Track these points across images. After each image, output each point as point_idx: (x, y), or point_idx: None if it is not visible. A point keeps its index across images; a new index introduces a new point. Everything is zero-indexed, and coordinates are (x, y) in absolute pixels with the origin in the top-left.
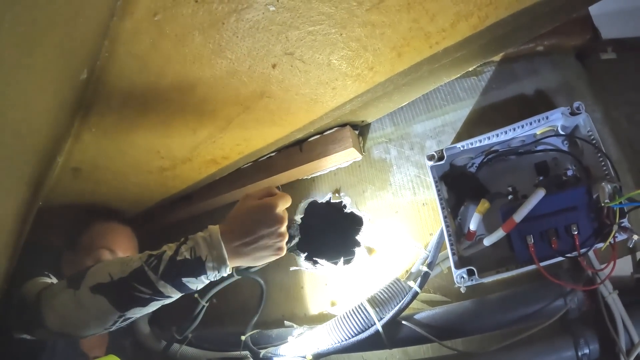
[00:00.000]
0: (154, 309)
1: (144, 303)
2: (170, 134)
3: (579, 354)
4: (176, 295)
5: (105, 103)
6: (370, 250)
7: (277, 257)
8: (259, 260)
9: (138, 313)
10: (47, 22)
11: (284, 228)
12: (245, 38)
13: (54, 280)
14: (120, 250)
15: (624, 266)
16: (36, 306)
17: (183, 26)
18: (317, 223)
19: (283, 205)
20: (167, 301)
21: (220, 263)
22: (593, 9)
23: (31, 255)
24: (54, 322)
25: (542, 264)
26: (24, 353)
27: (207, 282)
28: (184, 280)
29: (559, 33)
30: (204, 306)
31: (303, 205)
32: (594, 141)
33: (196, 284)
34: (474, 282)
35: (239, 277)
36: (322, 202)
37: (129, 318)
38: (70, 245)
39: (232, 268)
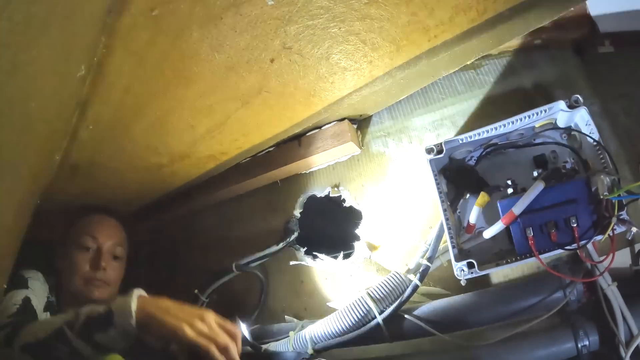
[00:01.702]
0: None
1: None
2: (168, 130)
3: (579, 345)
4: (93, 356)
5: (102, 100)
6: (372, 247)
7: (187, 334)
8: (172, 328)
9: None
10: (44, 19)
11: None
12: (243, 33)
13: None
14: (102, 237)
15: (622, 258)
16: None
17: (180, 21)
18: (317, 217)
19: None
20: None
21: (127, 312)
22: (591, 3)
23: (28, 252)
24: None
25: (542, 256)
26: None
27: (123, 342)
28: (97, 337)
29: (557, 27)
30: (204, 302)
31: (302, 199)
32: (592, 134)
33: (110, 342)
34: (474, 275)
35: (239, 272)
36: (321, 197)
37: None
38: (61, 241)
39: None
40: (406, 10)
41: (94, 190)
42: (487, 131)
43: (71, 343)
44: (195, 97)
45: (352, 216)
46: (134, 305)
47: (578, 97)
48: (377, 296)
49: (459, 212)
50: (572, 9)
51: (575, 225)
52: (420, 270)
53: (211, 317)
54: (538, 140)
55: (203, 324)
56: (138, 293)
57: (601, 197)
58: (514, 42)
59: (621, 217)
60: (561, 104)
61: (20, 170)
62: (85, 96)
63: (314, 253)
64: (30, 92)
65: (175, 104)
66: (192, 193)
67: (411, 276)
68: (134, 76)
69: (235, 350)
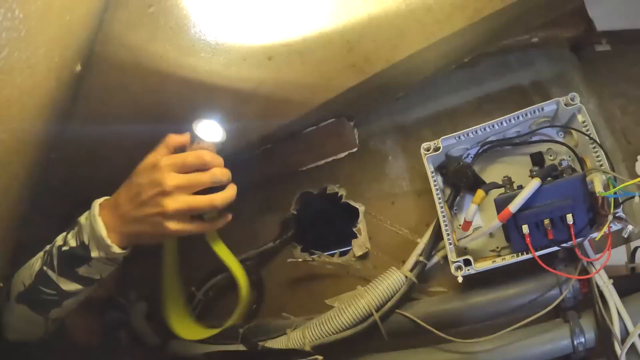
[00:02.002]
0: (77, 305)
1: (57, 303)
2: (165, 128)
3: (575, 342)
4: (85, 291)
5: (98, 97)
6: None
7: (176, 232)
8: (147, 235)
9: (63, 312)
10: (40, 15)
11: (163, 175)
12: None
13: None
14: None
15: (618, 256)
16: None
17: (178, 18)
18: (313, 215)
19: (189, 159)
20: (81, 297)
21: (100, 241)
22: (588, 1)
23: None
24: (8, 332)
25: (538, 253)
26: (16, 352)
27: (110, 266)
28: (80, 272)
29: (554, 25)
30: (200, 299)
31: (298, 197)
32: (589, 132)
33: (97, 272)
34: (470, 272)
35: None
36: (317, 194)
37: (57, 319)
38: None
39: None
40: (404, 8)
41: (88, 186)
42: (484, 129)
43: (57, 283)
44: (193, 94)
45: (349, 213)
46: (103, 231)
47: (575, 95)
48: (374, 293)
49: (456, 210)
50: (569, 7)
51: (571, 222)
52: (417, 267)
53: (163, 172)
54: (535, 138)
55: (158, 171)
56: (95, 209)
57: (597, 194)
58: (511, 40)
59: (617, 214)
60: (558, 102)
61: (16, 169)
62: (81, 93)
63: (311, 250)
64: (25, 89)
65: (172, 101)
66: None
67: (408, 273)
68: (131, 74)
69: (212, 176)
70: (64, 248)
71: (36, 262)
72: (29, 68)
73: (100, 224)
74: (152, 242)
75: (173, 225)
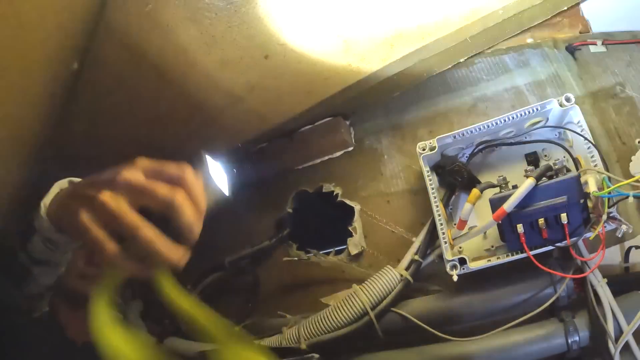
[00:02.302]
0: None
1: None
2: (161, 125)
3: (569, 341)
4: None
5: (95, 95)
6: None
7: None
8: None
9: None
10: (38, 13)
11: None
12: (239, 29)
13: None
14: None
15: (612, 255)
16: None
17: (175, 17)
18: (309, 213)
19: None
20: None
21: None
22: (584, 3)
23: None
24: None
25: (533, 252)
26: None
27: (50, 252)
28: (29, 248)
29: (550, 26)
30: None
31: (294, 195)
32: (583, 132)
33: (41, 254)
34: (465, 271)
35: (231, 268)
36: (313, 193)
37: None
38: None
39: None
40: (400, 7)
41: None
42: (479, 128)
43: (17, 255)
44: (189, 92)
45: (345, 212)
46: (48, 197)
47: (570, 96)
48: (370, 292)
49: (451, 209)
50: (565, 8)
51: (565, 222)
52: (413, 266)
53: (130, 171)
54: (529, 138)
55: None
56: (63, 182)
57: (592, 194)
58: (507, 41)
59: (611, 214)
60: (553, 103)
61: (10, 165)
62: (78, 90)
63: (307, 249)
64: (22, 86)
65: (168, 98)
66: None
67: (403, 272)
68: (128, 70)
69: (189, 205)
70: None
71: None
72: (25, 66)
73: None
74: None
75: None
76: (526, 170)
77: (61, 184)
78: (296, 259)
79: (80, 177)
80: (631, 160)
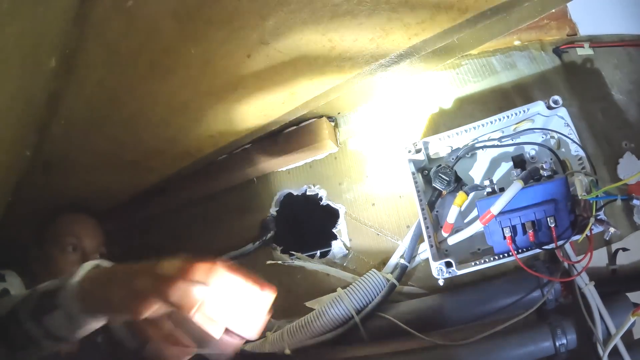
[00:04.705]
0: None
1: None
2: (142, 126)
3: (557, 344)
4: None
5: (74, 94)
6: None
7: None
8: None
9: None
10: (10, 4)
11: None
12: (220, 27)
13: (14, 281)
14: (87, 239)
15: (599, 258)
16: None
17: (156, 13)
18: (293, 216)
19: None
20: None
21: (70, 285)
22: (571, 5)
23: None
24: None
25: (520, 256)
26: None
27: (69, 329)
28: (45, 320)
29: (537, 28)
30: None
31: (278, 197)
32: (571, 135)
33: (57, 328)
34: (451, 274)
35: None
36: (297, 195)
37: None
38: (36, 242)
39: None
40: (386, 7)
41: (67, 187)
42: (466, 130)
43: (23, 326)
44: (171, 92)
45: (329, 215)
46: (78, 276)
47: (557, 98)
48: (355, 296)
49: (437, 211)
50: (552, 10)
51: (553, 225)
52: (398, 269)
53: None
54: (516, 140)
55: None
56: (95, 262)
57: (579, 197)
58: (494, 43)
59: (599, 217)
60: (540, 105)
61: None
62: (56, 90)
63: (291, 252)
64: None
65: (149, 99)
66: (167, 191)
67: (389, 275)
68: (107, 69)
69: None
70: (47, 289)
71: (16, 297)
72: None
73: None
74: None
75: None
76: (513, 173)
77: (88, 266)
78: (280, 262)
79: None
80: (618, 163)
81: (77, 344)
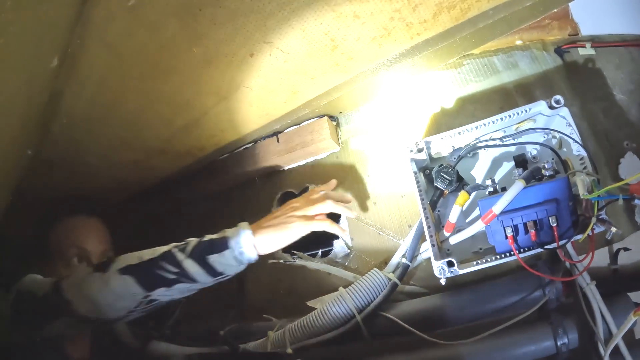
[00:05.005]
0: (181, 295)
1: (170, 283)
2: (144, 125)
3: (558, 343)
4: (202, 278)
5: (76, 93)
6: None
7: (303, 226)
8: (282, 229)
9: (164, 295)
10: (13, 3)
11: (306, 201)
12: (222, 26)
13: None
14: (92, 245)
15: (600, 257)
16: (57, 295)
17: (158, 13)
18: None
19: (312, 193)
20: (194, 286)
21: (245, 239)
22: (573, 5)
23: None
24: (81, 306)
25: (522, 255)
26: None
27: (235, 264)
28: (210, 259)
29: (539, 27)
30: (180, 301)
31: (280, 197)
32: (572, 134)
33: (223, 265)
34: (453, 274)
35: None
36: (299, 194)
37: (154, 300)
38: (38, 251)
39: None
40: (389, 7)
41: (68, 186)
42: (468, 130)
43: (181, 263)
44: (173, 91)
45: (331, 214)
46: (247, 227)
47: (559, 98)
48: (356, 295)
49: (439, 211)
50: (554, 10)
51: (555, 224)
52: (400, 268)
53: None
54: (518, 140)
55: (297, 202)
56: (244, 223)
57: (581, 197)
58: (496, 42)
59: (600, 217)
60: (542, 104)
61: None
62: (58, 89)
63: (292, 251)
64: None
65: (151, 98)
66: (169, 190)
67: (390, 275)
68: (110, 69)
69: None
70: (204, 239)
71: (161, 248)
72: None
73: (246, 227)
74: (281, 240)
75: (300, 220)
76: (515, 173)
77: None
78: (282, 261)
79: None
80: (620, 163)
81: (87, 350)
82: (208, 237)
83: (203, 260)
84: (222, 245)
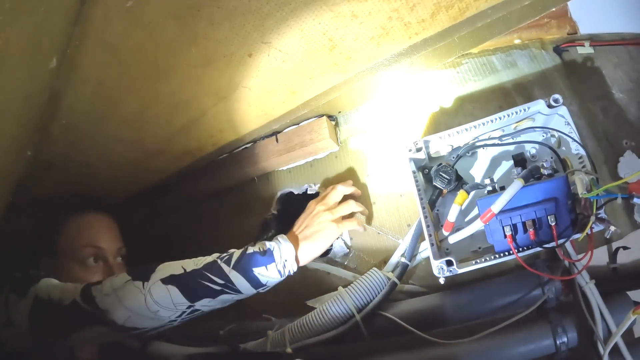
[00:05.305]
0: (222, 305)
1: (214, 294)
2: (143, 125)
3: (557, 342)
4: (246, 289)
5: (75, 93)
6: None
7: (336, 230)
8: (319, 238)
9: (207, 306)
10: (11, 4)
11: (329, 203)
12: (220, 26)
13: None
14: (106, 243)
15: (600, 256)
16: (89, 304)
17: (156, 13)
18: (294, 215)
19: (331, 194)
20: (236, 297)
21: (288, 252)
22: (572, 4)
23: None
24: (119, 316)
25: (520, 254)
26: None
27: (278, 277)
28: (255, 271)
29: (538, 26)
30: None
31: (279, 197)
32: (571, 133)
33: (266, 277)
34: (452, 273)
35: None
36: (298, 194)
37: (197, 310)
38: (46, 251)
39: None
40: (387, 7)
41: (68, 186)
42: (466, 129)
43: (227, 274)
44: (171, 92)
45: None
46: (287, 239)
47: (558, 97)
48: (356, 294)
49: (438, 210)
50: (553, 9)
51: (553, 223)
52: (399, 268)
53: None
54: (517, 139)
55: (325, 203)
56: (282, 235)
57: (580, 196)
58: (494, 41)
59: (599, 216)
60: (541, 103)
61: None
62: (57, 90)
63: None
64: None
65: (150, 98)
66: (167, 190)
67: (390, 274)
68: (108, 69)
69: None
70: (248, 251)
71: (205, 258)
72: None
73: (287, 239)
74: (318, 249)
75: (333, 226)
76: (514, 172)
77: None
78: None
79: None
80: (619, 162)
81: (95, 351)
82: (251, 249)
83: (248, 272)
84: (267, 258)
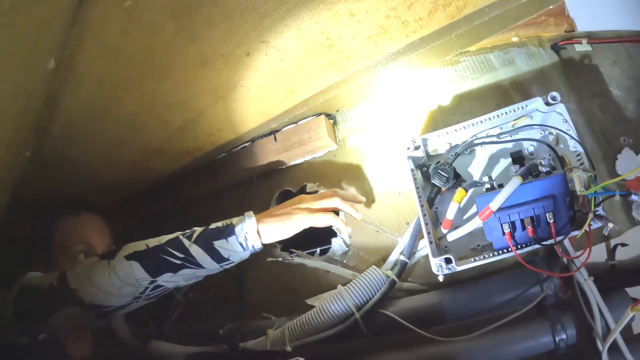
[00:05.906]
0: (186, 282)
1: (175, 269)
2: (141, 125)
3: (556, 339)
4: (207, 263)
5: (73, 94)
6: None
7: (306, 219)
8: (285, 220)
9: (169, 281)
10: (8, 6)
11: (319, 204)
12: (218, 26)
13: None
14: (97, 240)
15: (598, 253)
16: (62, 284)
17: (154, 13)
18: None
19: (325, 200)
20: (199, 272)
21: (250, 225)
22: (569, 2)
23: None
24: (86, 293)
25: (519, 251)
26: None
27: (241, 250)
28: (216, 244)
29: (535, 24)
30: (179, 301)
31: (278, 195)
32: (569, 131)
33: (228, 250)
34: (451, 271)
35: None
36: (296, 192)
37: (160, 286)
38: (41, 249)
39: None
40: (385, 5)
41: (66, 187)
42: (465, 127)
43: (187, 248)
44: (170, 91)
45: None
46: (251, 215)
47: (556, 95)
48: (355, 292)
49: (436, 208)
50: (550, 7)
51: (552, 220)
52: (398, 266)
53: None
54: (515, 137)
55: (304, 200)
56: (249, 212)
57: (578, 193)
58: (492, 39)
59: (597, 213)
60: (538, 101)
61: None
62: (55, 90)
63: (291, 250)
64: None
65: (148, 98)
66: (166, 190)
67: (389, 272)
68: (107, 69)
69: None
70: (210, 227)
71: (167, 236)
72: None
73: (251, 215)
74: (283, 230)
75: (304, 213)
76: (512, 169)
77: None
78: (280, 259)
79: None
80: (617, 159)
81: (89, 350)
82: (214, 224)
83: (209, 246)
84: (227, 232)
